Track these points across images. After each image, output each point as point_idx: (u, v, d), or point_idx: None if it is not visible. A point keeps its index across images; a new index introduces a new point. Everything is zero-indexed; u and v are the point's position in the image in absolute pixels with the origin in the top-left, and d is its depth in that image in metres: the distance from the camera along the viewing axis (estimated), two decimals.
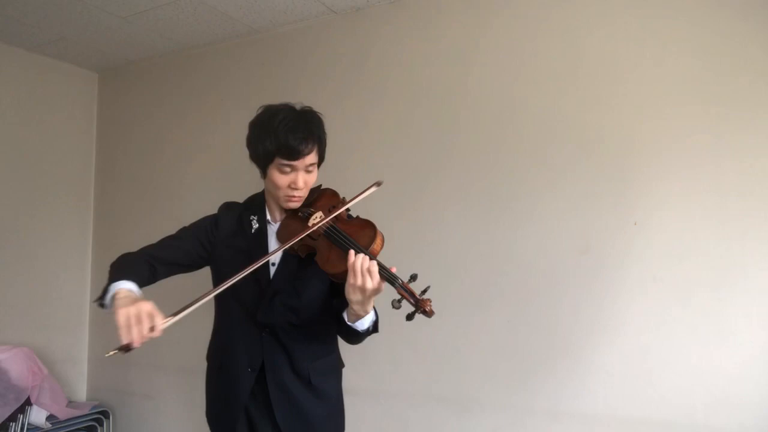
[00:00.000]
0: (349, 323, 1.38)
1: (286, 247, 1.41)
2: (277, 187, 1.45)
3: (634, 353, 1.90)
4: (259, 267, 1.39)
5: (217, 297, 1.61)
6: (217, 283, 1.56)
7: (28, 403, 2.65)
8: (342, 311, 1.41)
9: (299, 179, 1.43)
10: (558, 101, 2.08)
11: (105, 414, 3.07)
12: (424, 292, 1.31)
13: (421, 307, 1.28)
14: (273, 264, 1.54)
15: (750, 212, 1.77)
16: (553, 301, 2.04)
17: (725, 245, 1.79)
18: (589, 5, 2.06)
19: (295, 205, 1.49)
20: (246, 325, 1.55)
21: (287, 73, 2.73)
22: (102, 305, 1.40)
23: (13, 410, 2.56)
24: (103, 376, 3.27)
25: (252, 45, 2.84)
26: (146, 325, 1.21)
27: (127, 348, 1.19)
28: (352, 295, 1.30)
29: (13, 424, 2.56)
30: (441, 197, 2.26)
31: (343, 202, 1.50)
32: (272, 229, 1.56)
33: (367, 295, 1.29)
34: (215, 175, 2.91)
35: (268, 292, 1.53)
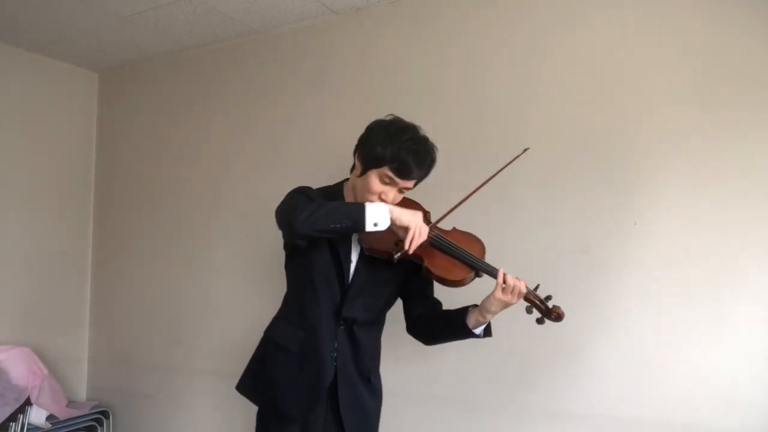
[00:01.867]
0: (472, 330, 1.55)
1: (419, 243, 1.46)
2: (368, 190, 1.52)
3: (633, 353, 1.90)
4: (344, 262, 1.57)
5: (295, 276, 1.67)
6: (299, 269, 1.64)
7: (28, 403, 2.65)
8: (460, 318, 1.56)
9: (390, 194, 1.53)
10: (558, 101, 2.08)
11: (105, 414, 3.07)
12: (548, 298, 1.53)
13: (553, 312, 1.51)
14: (351, 261, 1.61)
15: (750, 212, 1.77)
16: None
17: (725, 245, 1.79)
18: (589, 5, 2.06)
19: None
20: (327, 316, 1.60)
21: (287, 73, 2.72)
22: (358, 225, 1.42)
23: (13, 410, 2.56)
24: (103, 376, 3.27)
25: (252, 45, 2.84)
26: (422, 238, 1.42)
27: (405, 253, 1.41)
28: (495, 308, 1.49)
29: (13, 424, 2.56)
30: (441, 197, 2.26)
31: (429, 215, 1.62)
32: None
33: (506, 308, 1.50)
34: (215, 175, 2.91)
35: (351, 289, 1.60)
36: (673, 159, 1.87)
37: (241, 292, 2.75)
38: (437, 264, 1.49)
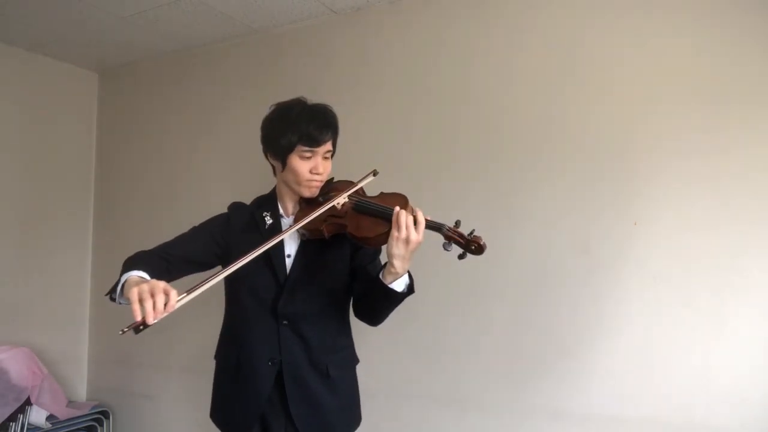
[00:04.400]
0: (387, 285, 1.40)
1: (313, 217, 1.45)
2: (298, 174, 1.52)
3: (634, 353, 1.90)
4: (275, 260, 1.52)
5: (229, 293, 1.66)
6: (230, 280, 1.57)
7: (28, 403, 2.65)
8: (375, 275, 1.44)
9: (319, 165, 1.52)
10: (558, 101, 2.08)
11: (105, 414, 3.08)
12: (470, 233, 1.40)
13: (474, 242, 1.38)
14: (289, 256, 1.58)
15: (750, 212, 1.77)
16: (553, 301, 2.04)
17: (725, 245, 1.79)
18: (589, 5, 2.06)
19: (315, 191, 1.56)
20: (263, 318, 1.57)
21: (287, 73, 2.73)
22: (113, 299, 1.38)
23: (13, 410, 2.56)
24: (103, 376, 3.27)
25: (252, 45, 2.84)
26: (160, 299, 1.15)
27: (140, 325, 1.14)
28: (395, 249, 1.36)
29: (13, 424, 2.56)
30: (441, 197, 2.26)
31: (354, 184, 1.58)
32: (285, 222, 1.61)
33: (410, 247, 1.36)
34: (215, 175, 2.91)
35: (287, 283, 1.56)
36: (673, 159, 1.87)
37: None
38: (360, 226, 1.46)
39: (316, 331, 1.57)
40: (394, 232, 1.35)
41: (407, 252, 1.36)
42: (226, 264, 1.46)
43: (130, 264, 1.43)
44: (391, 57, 2.45)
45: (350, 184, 1.61)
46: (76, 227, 3.30)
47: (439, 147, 2.29)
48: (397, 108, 2.41)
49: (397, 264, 1.37)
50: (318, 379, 1.56)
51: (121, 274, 1.39)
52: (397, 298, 1.44)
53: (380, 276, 1.42)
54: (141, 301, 1.15)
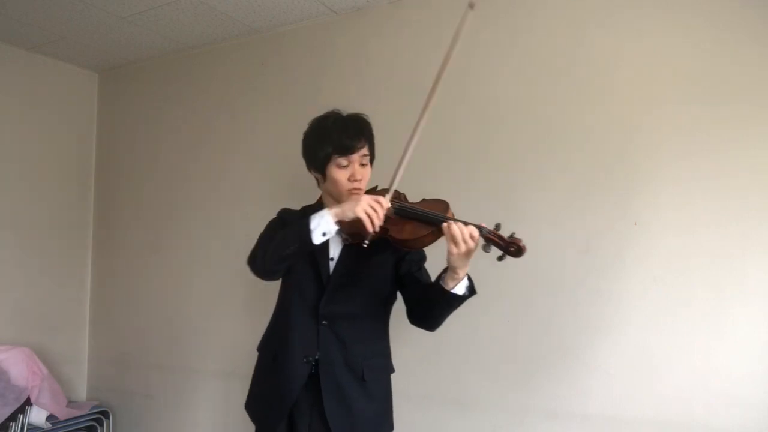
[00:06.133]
0: (449, 290, 1.46)
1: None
2: (338, 183, 1.57)
3: (634, 353, 1.90)
4: (320, 261, 1.60)
5: (282, 290, 1.72)
6: (284, 277, 1.66)
7: (28, 403, 2.65)
8: (436, 283, 1.49)
9: (357, 172, 1.57)
10: (558, 101, 2.08)
11: (105, 414, 3.07)
12: (510, 235, 1.42)
13: (513, 243, 1.39)
14: (332, 259, 1.63)
15: (750, 212, 1.77)
16: (553, 300, 2.04)
17: (725, 245, 1.79)
18: (589, 5, 2.06)
19: None
20: (305, 317, 1.61)
21: (287, 73, 2.73)
22: (306, 243, 1.44)
23: (13, 410, 2.56)
24: (103, 376, 3.27)
25: (252, 45, 2.84)
26: (381, 209, 1.39)
27: (373, 234, 1.37)
28: (457, 262, 1.41)
29: (13, 424, 2.56)
30: (440, 197, 2.25)
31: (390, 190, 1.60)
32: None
33: (469, 256, 1.41)
34: (215, 175, 2.91)
35: (329, 284, 1.61)
36: (673, 159, 1.87)
37: (240, 293, 2.75)
38: (402, 230, 1.50)
39: (353, 332, 1.61)
40: (453, 248, 1.38)
41: (467, 260, 1.42)
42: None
43: (286, 233, 1.50)
44: (391, 57, 2.45)
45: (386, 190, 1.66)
46: (76, 227, 3.30)
47: (439, 147, 2.29)
48: (397, 108, 2.41)
49: (460, 272, 1.43)
50: (353, 381, 1.60)
51: (297, 231, 1.45)
52: (459, 301, 1.49)
53: (441, 282, 1.47)
54: (369, 215, 1.37)
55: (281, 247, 1.48)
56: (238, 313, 2.76)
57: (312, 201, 1.77)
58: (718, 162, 1.81)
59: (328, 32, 2.62)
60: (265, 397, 1.66)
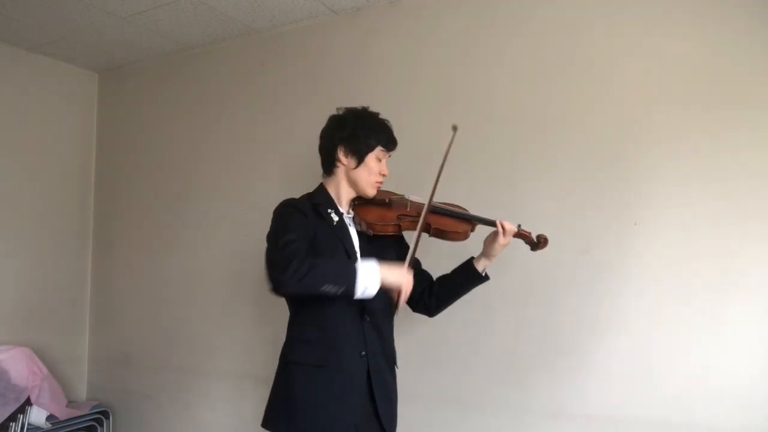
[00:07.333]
0: (480, 272, 1.73)
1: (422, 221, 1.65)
2: (372, 172, 1.70)
3: (634, 353, 1.90)
4: (353, 257, 1.65)
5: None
6: None
7: (28, 403, 2.65)
8: (470, 269, 1.74)
9: (385, 168, 1.74)
10: (558, 101, 2.08)
11: (105, 414, 3.07)
12: (538, 236, 1.72)
13: (540, 241, 1.71)
14: (358, 252, 1.69)
15: (750, 212, 1.77)
16: (553, 300, 2.04)
17: (725, 245, 1.79)
18: (589, 5, 2.06)
19: (375, 192, 1.74)
20: (351, 315, 1.64)
21: (287, 73, 2.73)
22: (348, 297, 1.51)
23: (13, 410, 2.56)
24: (103, 376, 3.27)
25: (252, 45, 2.84)
26: (407, 294, 1.57)
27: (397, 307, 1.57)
28: (496, 251, 1.70)
29: (13, 424, 2.56)
30: (439, 196, 2.25)
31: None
32: (347, 219, 1.73)
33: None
34: (215, 175, 2.91)
35: None
36: (673, 159, 1.87)
37: (240, 293, 2.75)
38: (443, 223, 1.71)
39: (386, 324, 1.73)
40: (501, 240, 1.67)
41: (502, 250, 1.70)
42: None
43: (329, 265, 1.54)
44: (391, 57, 2.45)
45: (389, 193, 1.83)
46: (76, 227, 3.30)
47: (439, 146, 2.29)
48: (397, 108, 2.41)
49: (493, 260, 1.72)
50: (390, 372, 1.73)
51: (344, 274, 1.50)
52: (482, 282, 1.76)
53: (474, 266, 1.73)
54: (406, 292, 1.55)
55: (320, 283, 1.47)
56: (237, 313, 2.76)
57: None
58: (718, 162, 1.81)
59: (328, 32, 2.62)
60: (324, 406, 1.58)
